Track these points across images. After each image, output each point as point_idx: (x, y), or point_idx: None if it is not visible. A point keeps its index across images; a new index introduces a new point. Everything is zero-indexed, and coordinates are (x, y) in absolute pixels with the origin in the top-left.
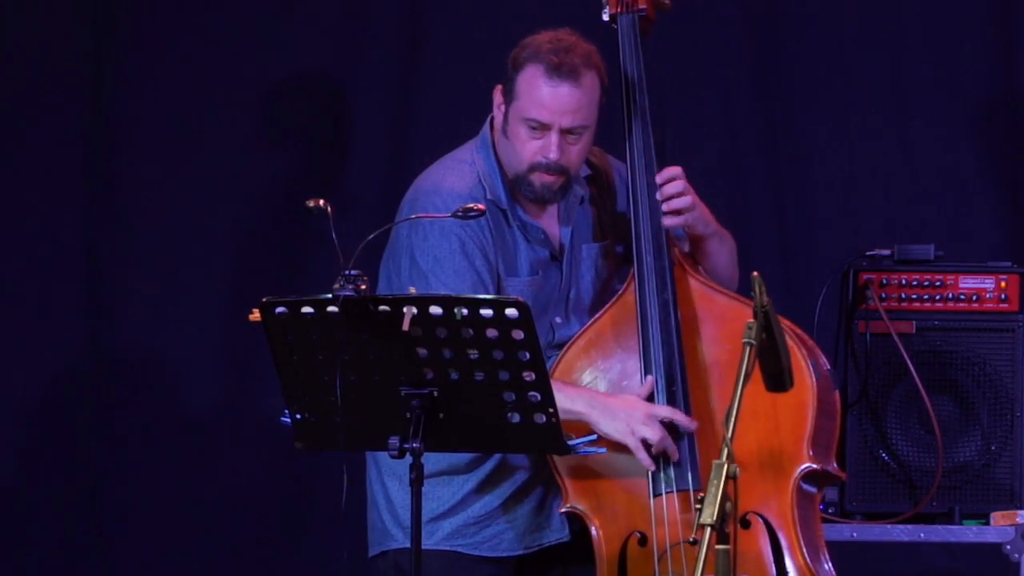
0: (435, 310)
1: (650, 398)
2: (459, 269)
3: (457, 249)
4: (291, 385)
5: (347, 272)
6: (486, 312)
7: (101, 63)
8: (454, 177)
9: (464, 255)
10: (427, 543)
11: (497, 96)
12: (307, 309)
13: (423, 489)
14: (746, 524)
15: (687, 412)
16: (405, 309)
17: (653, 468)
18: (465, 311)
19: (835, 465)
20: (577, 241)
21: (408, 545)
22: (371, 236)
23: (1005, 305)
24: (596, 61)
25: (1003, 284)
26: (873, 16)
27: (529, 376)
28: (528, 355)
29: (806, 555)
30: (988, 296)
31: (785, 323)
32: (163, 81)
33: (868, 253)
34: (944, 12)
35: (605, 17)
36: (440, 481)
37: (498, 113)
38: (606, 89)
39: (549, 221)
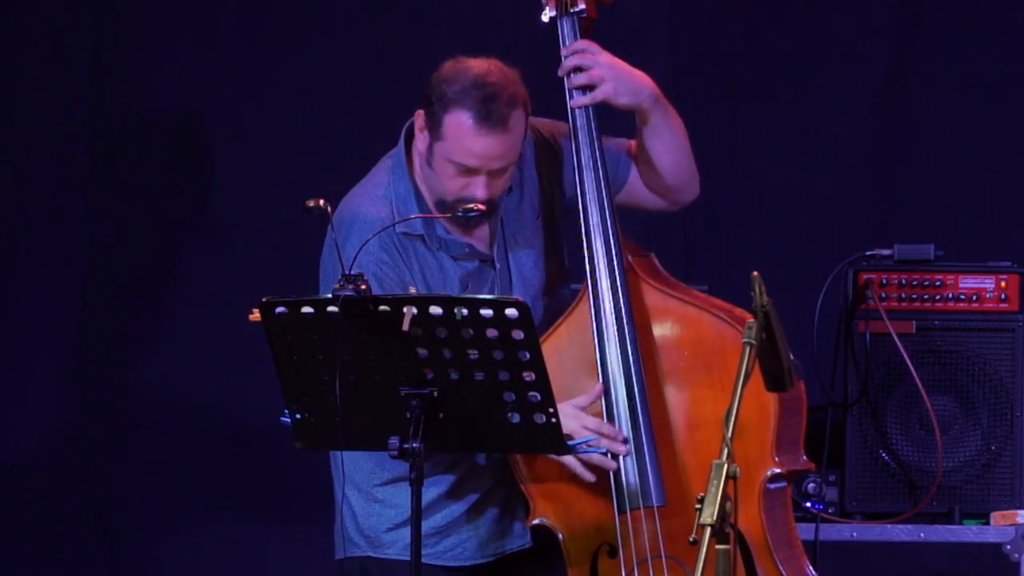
0: (435, 310)
1: (608, 408)
2: None
3: (376, 289)
4: (291, 385)
5: (347, 272)
6: (486, 312)
7: (102, 63)
8: (369, 207)
9: (383, 292)
10: (388, 552)
11: (419, 121)
12: (307, 309)
13: (383, 496)
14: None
15: (648, 426)
16: (405, 309)
17: (612, 466)
18: (465, 311)
19: (803, 459)
20: (509, 231)
21: (371, 554)
22: (371, 236)
23: (1005, 305)
24: (521, 95)
25: (1003, 284)
26: (873, 15)
27: (529, 376)
28: (528, 355)
29: (777, 558)
30: (988, 296)
31: (748, 317)
32: (164, 80)
33: (868, 253)
34: (943, 11)
35: (545, 19)
36: (401, 487)
37: (420, 138)
38: (529, 115)
39: (475, 227)
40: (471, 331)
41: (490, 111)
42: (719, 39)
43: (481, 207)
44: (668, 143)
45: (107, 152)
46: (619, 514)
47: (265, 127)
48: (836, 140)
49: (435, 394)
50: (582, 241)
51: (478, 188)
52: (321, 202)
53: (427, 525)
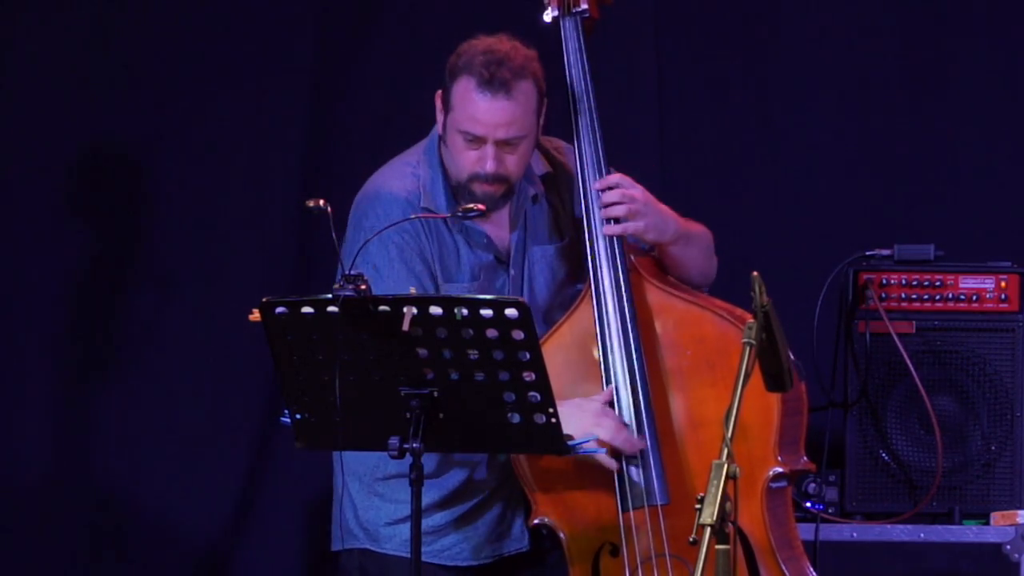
0: (435, 310)
1: (610, 407)
2: (399, 277)
3: (395, 257)
4: (291, 385)
5: (347, 272)
6: (486, 312)
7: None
8: (395, 182)
9: (403, 262)
10: (386, 547)
11: (438, 102)
12: (307, 309)
13: (384, 490)
14: None
15: (651, 424)
16: (405, 309)
17: (615, 467)
18: (465, 311)
19: (804, 459)
20: (529, 243)
21: (369, 546)
22: (371, 236)
23: (1005, 305)
24: (533, 69)
25: (1003, 284)
26: (873, 16)
27: (529, 376)
28: (528, 355)
29: (779, 557)
30: (988, 296)
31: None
32: (120, 113)
33: (868, 253)
34: (944, 12)
35: (547, 19)
36: (403, 483)
37: (440, 119)
38: (544, 95)
39: (496, 226)
40: (471, 331)
41: (493, 75)
42: (714, 37)
43: (481, 207)
44: (685, 266)
45: (67, 178)
46: (622, 512)
47: (220, 161)
48: (836, 139)
49: (435, 394)
50: (585, 240)
51: (487, 162)
52: (321, 202)
53: (426, 523)
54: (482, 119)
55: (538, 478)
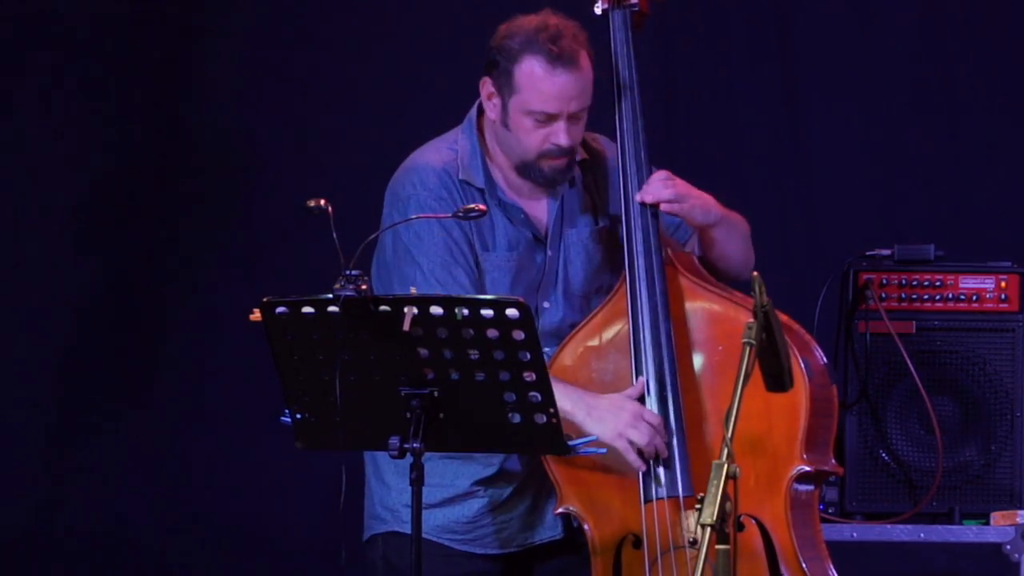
0: (436, 310)
1: (641, 400)
2: (438, 242)
3: (435, 223)
4: (291, 385)
5: (347, 272)
6: (487, 312)
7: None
8: (432, 154)
9: (442, 226)
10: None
11: (487, 88)
12: (308, 309)
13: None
14: (740, 527)
15: (678, 415)
16: (406, 309)
17: (643, 468)
18: (466, 311)
19: (832, 462)
20: (567, 225)
21: (396, 528)
22: (372, 236)
23: (1005, 305)
24: (583, 39)
25: (1003, 284)
26: (877, 17)
27: (529, 376)
28: (529, 355)
29: (801, 557)
30: (988, 296)
31: (780, 317)
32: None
33: (868, 253)
34: (946, 13)
35: (598, 11)
36: (431, 466)
37: (490, 106)
38: (593, 61)
39: (532, 202)
40: (472, 331)
41: (561, 50)
42: (718, 38)
43: (482, 207)
44: (727, 252)
45: (94, 196)
46: (645, 503)
47: (265, 123)
48: (836, 140)
49: (435, 394)
50: (622, 230)
51: (561, 137)
52: (322, 202)
53: (458, 512)
54: (556, 95)
55: (563, 467)
